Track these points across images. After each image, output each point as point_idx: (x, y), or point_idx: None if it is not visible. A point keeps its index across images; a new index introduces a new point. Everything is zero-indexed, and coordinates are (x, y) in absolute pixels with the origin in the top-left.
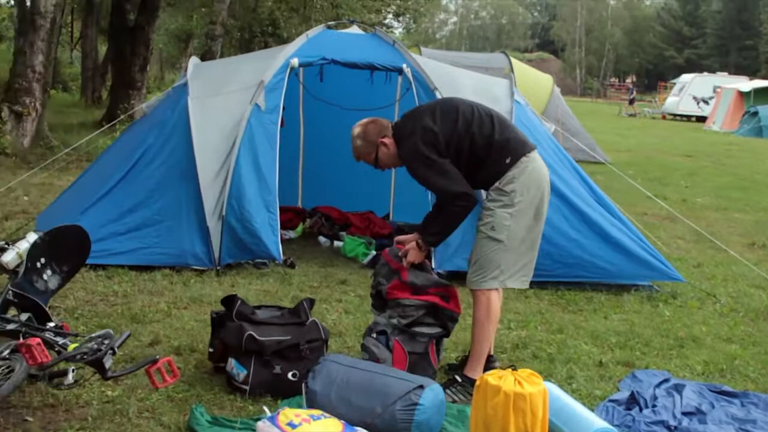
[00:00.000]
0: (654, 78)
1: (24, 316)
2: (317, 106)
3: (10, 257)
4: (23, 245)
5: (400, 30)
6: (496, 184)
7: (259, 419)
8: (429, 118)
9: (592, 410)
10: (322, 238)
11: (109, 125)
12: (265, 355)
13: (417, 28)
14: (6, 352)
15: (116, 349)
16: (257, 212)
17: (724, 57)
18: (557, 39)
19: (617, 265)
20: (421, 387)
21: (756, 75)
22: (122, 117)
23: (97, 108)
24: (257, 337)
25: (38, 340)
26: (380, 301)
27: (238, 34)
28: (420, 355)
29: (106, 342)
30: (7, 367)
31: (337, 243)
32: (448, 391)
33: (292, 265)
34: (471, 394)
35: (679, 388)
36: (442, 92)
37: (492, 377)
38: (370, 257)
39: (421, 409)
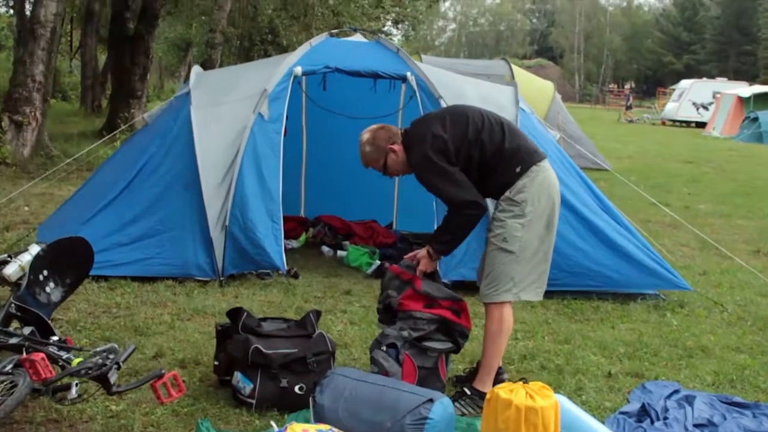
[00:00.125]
0: (653, 84)
1: (27, 330)
2: (320, 115)
3: (12, 270)
4: (25, 257)
5: (399, 37)
6: (507, 193)
7: None
8: (439, 124)
9: (603, 423)
10: (325, 248)
11: (110, 135)
12: (271, 369)
13: (416, 35)
14: (9, 367)
15: (121, 363)
16: (261, 222)
17: (722, 62)
18: (556, 45)
19: (624, 273)
20: (431, 401)
21: (754, 80)
22: (123, 127)
23: (96, 117)
24: (264, 350)
25: (42, 355)
26: (388, 316)
27: (238, 43)
28: (430, 369)
29: (111, 357)
30: (10, 383)
31: (340, 252)
32: (456, 404)
33: (295, 276)
34: (480, 407)
35: (690, 400)
36: (447, 100)
37: (503, 390)
38: (374, 267)
39: (431, 423)
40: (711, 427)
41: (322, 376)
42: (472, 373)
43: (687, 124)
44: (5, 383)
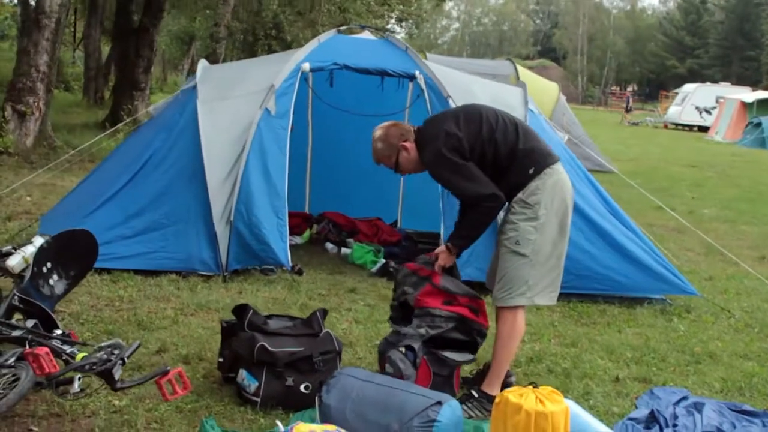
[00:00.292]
0: (655, 87)
1: (30, 323)
2: (326, 111)
3: (15, 261)
4: (29, 249)
5: (403, 35)
6: (519, 195)
7: None
8: (453, 122)
9: (611, 428)
10: (329, 245)
11: (114, 128)
12: (277, 367)
13: (419, 33)
14: (12, 360)
15: (126, 359)
16: (266, 218)
17: (726, 67)
18: (559, 46)
19: (631, 277)
20: (439, 403)
21: (757, 86)
22: (127, 120)
23: (99, 108)
24: (269, 348)
25: (46, 349)
26: (402, 314)
27: (242, 37)
28: (444, 377)
29: (116, 352)
30: (13, 375)
31: (344, 250)
32: (464, 407)
33: (299, 272)
34: (487, 410)
35: (698, 407)
36: (456, 100)
37: (513, 395)
38: (379, 265)
39: (439, 426)
40: None
41: (328, 376)
42: (480, 375)
43: (689, 128)
44: (7, 376)
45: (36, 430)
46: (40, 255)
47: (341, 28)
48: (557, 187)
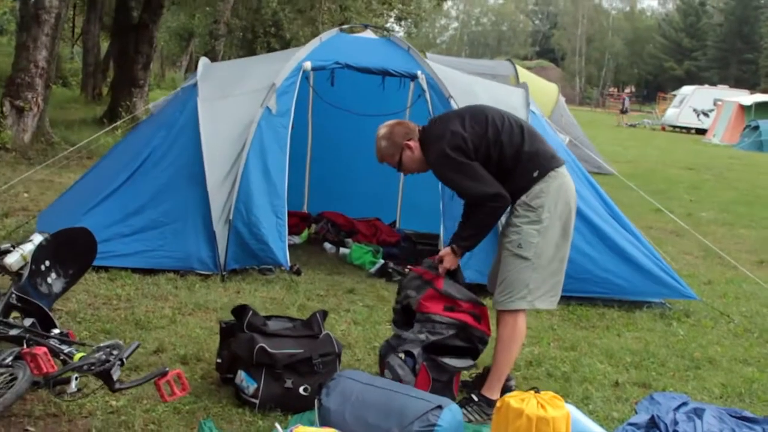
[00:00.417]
0: (653, 89)
1: (28, 322)
2: (326, 110)
3: (13, 259)
4: (28, 247)
5: (401, 34)
6: (523, 198)
7: None
8: (458, 122)
9: None
10: (327, 245)
11: (113, 126)
12: (276, 369)
13: (418, 32)
14: (9, 359)
15: (125, 360)
16: (265, 217)
17: (723, 70)
18: (557, 47)
19: (630, 281)
20: (440, 407)
21: (755, 89)
22: (126, 118)
23: (97, 104)
24: (269, 349)
25: (45, 349)
26: (405, 317)
27: (241, 35)
28: (443, 383)
29: (115, 352)
30: (10, 375)
31: (342, 250)
32: (463, 410)
33: (298, 272)
34: (487, 414)
35: (699, 413)
36: (458, 100)
37: (514, 400)
38: (377, 266)
39: (439, 430)
40: None
41: (327, 378)
42: (479, 379)
43: (687, 130)
44: (5, 376)
45: (32, 430)
46: (39, 253)
47: (343, 26)
48: (561, 190)
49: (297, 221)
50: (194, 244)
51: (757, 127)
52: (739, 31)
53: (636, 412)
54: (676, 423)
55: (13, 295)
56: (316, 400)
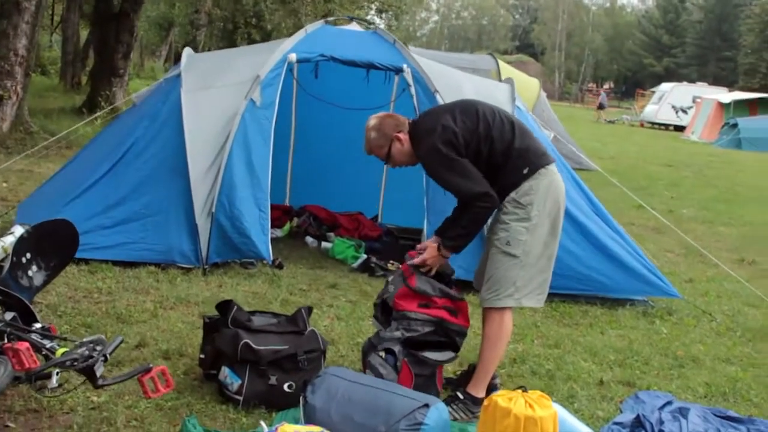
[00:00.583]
0: (632, 85)
1: (8, 316)
2: (310, 103)
3: None
4: (8, 239)
5: (382, 26)
6: (512, 194)
7: None
8: (449, 117)
9: None
10: (309, 239)
11: (94, 116)
12: (261, 365)
13: (398, 25)
14: None
15: (108, 355)
16: (248, 210)
17: (702, 67)
18: (537, 42)
19: (613, 278)
20: (426, 406)
21: (733, 86)
22: (107, 109)
23: (76, 93)
24: (254, 345)
25: (27, 344)
26: (384, 313)
27: (221, 25)
28: (426, 377)
29: (98, 348)
30: None
31: (324, 244)
32: (449, 408)
33: (280, 266)
34: (473, 412)
35: (684, 412)
36: (443, 95)
37: (502, 399)
38: (360, 261)
39: (426, 429)
40: None
41: (312, 375)
42: (464, 377)
43: (666, 127)
44: None
45: (12, 426)
46: (20, 245)
47: (328, 18)
48: (551, 188)
49: (279, 214)
50: (176, 237)
51: (735, 125)
52: (719, 29)
53: (621, 411)
54: (661, 422)
55: None
56: (301, 398)
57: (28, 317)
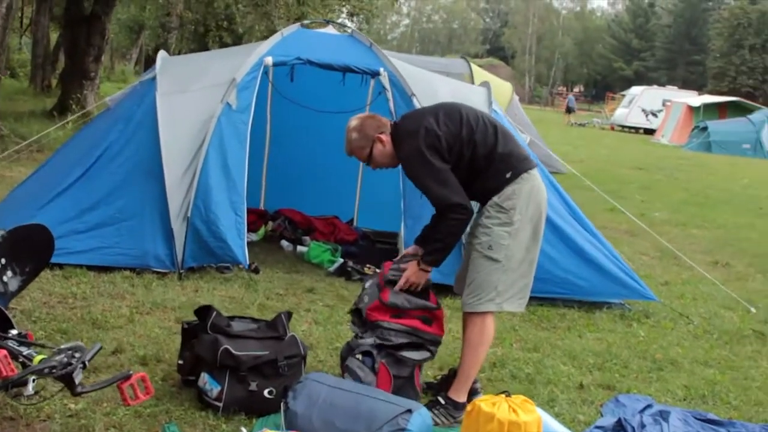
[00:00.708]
0: (602, 88)
1: None
2: (285, 106)
3: None
4: None
5: (348, 30)
6: (495, 199)
7: None
8: (432, 119)
9: None
10: (284, 243)
11: (68, 120)
12: (240, 371)
13: (369, 29)
14: None
15: (87, 362)
16: (224, 214)
17: (671, 71)
18: (508, 46)
19: (590, 281)
20: (409, 411)
21: (702, 90)
22: (79, 113)
23: (47, 96)
24: (233, 351)
25: (4, 352)
26: (361, 319)
27: (192, 28)
28: (405, 379)
29: (77, 355)
30: None
31: (300, 248)
32: (430, 413)
33: (256, 270)
34: (454, 417)
35: (664, 416)
36: (420, 98)
37: (485, 403)
38: (337, 265)
39: None
40: None
41: (293, 381)
42: (445, 381)
43: (636, 130)
44: None
45: None
46: None
47: (304, 22)
48: (533, 192)
49: (254, 218)
50: (151, 242)
51: (705, 128)
52: (687, 33)
53: (602, 415)
54: (643, 426)
55: None
56: (282, 404)
57: (4, 323)
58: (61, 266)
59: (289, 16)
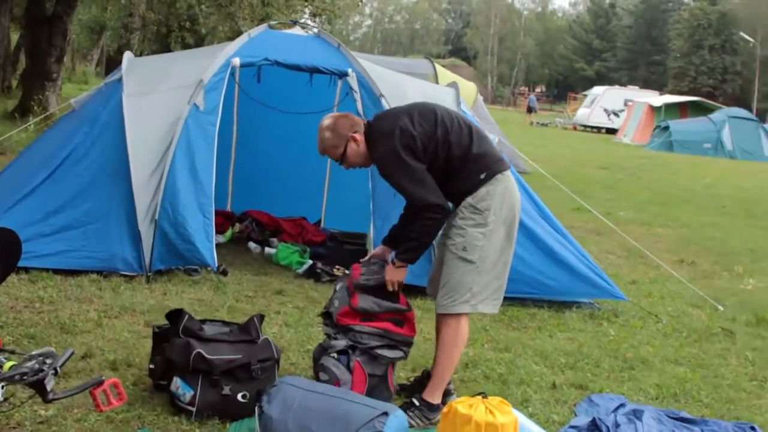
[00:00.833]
0: (564, 89)
1: None
2: (252, 107)
3: None
4: None
5: (315, 30)
6: (469, 200)
7: None
8: (407, 119)
9: None
10: (252, 244)
11: (32, 121)
12: (213, 375)
13: (332, 29)
14: None
15: (59, 369)
16: (192, 216)
17: (633, 71)
18: (470, 46)
19: (560, 281)
20: (386, 414)
21: (663, 90)
22: (41, 116)
23: (7, 98)
24: (206, 355)
25: None
26: (332, 320)
27: (155, 28)
28: (379, 377)
29: (48, 361)
30: None
31: (268, 250)
32: (405, 415)
33: (225, 273)
34: (429, 419)
35: (638, 415)
36: (389, 99)
37: (462, 405)
38: (305, 267)
39: None
40: None
41: (266, 384)
42: (418, 383)
43: (598, 129)
44: None
45: None
46: None
47: (271, 23)
48: (507, 194)
49: (221, 220)
50: (118, 244)
51: (667, 128)
52: (648, 34)
53: (575, 415)
54: (617, 425)
55: None
56: (256, 408)
57: None
58: (27, 270)
59: (254, 17)
